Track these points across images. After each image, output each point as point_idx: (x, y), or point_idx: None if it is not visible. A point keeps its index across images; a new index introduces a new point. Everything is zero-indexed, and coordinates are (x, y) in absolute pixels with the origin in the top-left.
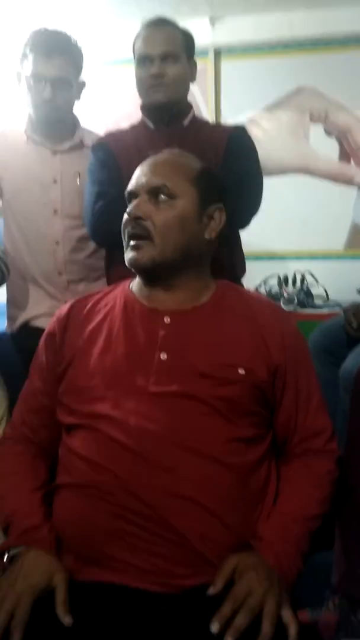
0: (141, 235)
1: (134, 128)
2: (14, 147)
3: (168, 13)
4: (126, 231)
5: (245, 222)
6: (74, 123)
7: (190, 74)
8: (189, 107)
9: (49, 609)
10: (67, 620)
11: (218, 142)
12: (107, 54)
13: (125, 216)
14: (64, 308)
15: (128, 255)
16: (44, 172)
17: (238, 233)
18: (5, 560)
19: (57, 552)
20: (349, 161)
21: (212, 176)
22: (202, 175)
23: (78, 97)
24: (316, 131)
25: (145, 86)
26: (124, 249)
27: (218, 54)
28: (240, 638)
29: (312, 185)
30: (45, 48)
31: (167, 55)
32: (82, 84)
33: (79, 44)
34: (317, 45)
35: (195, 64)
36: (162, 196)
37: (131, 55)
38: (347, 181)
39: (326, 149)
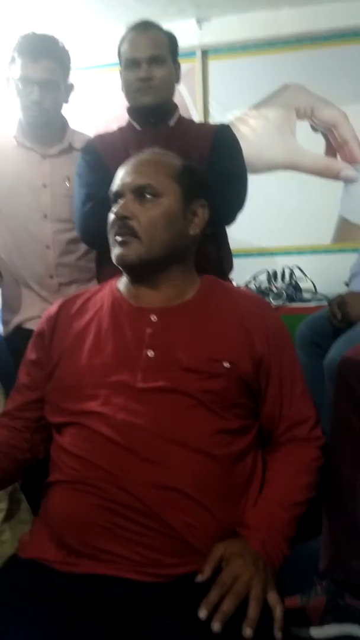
0: (128, 234)
1: (121, 130)
2: (3, 152)
3: (155, 16)
4: (113, 231)
5: (231, 218)
6: (63, 125)
7: (175, 75)
8: (174, 107)
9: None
10: None
11: (203, 140)
12: (95, 57)
13: (112, 216)
14: (53, 308)
15: (115, 251)
16: (33, 177)
17: (225, 230)
18: None
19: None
20: (335, 156)
21: (194, 173)
22: (184, 172)
23: (66, 100)
24: (302, 127)
25: (133, 89)
26: (111, 247)
27: (205, 54)
28: (228, 622)
29: (299, 180)
30: (33, 51)
31: (154, 59)
32: (71, 87)
33: (67, 47)
34: (302, 42)
35: (179, 65)
36: (147, 195)
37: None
38: (334, 176)
39: (312, 144)
